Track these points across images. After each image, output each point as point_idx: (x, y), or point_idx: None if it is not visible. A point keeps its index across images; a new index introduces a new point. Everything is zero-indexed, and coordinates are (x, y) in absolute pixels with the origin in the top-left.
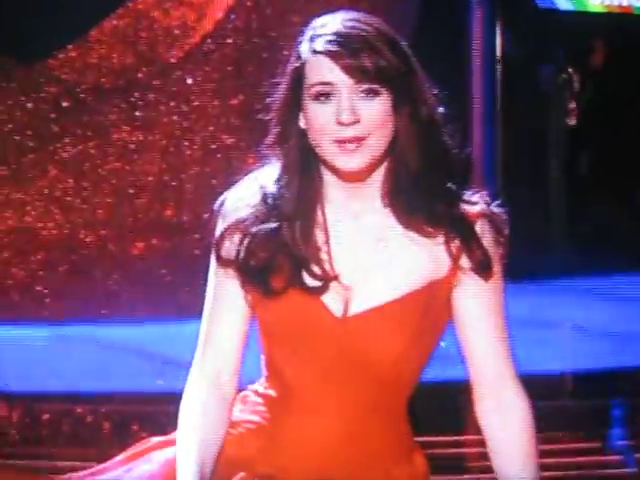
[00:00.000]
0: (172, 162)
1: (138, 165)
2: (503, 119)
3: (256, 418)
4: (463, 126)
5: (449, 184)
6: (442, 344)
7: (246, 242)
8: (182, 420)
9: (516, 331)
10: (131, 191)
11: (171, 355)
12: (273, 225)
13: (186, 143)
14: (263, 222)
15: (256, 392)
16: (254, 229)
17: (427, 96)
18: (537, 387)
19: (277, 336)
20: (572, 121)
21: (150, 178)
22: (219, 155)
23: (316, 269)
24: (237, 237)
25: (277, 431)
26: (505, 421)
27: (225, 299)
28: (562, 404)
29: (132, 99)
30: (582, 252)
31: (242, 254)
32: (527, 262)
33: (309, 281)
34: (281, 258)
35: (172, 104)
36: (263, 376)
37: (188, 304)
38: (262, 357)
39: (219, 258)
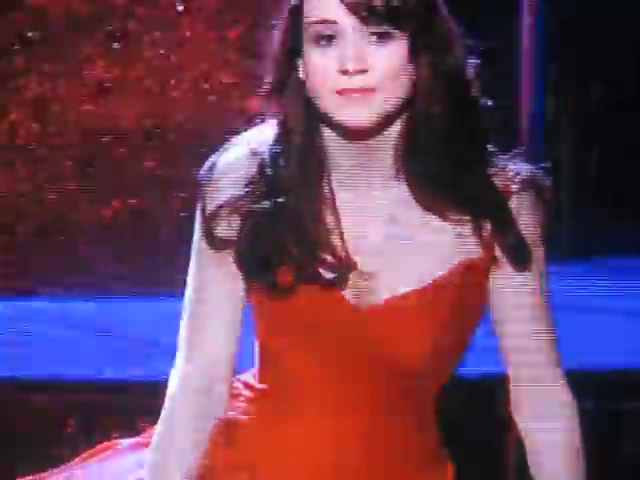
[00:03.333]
0: (156, 105)
1: (115, 108)
2: (555, 73)
3: (248, 419)
4: (507, 81)
5: (480, 149)
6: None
7: (247, 229)
8: (161, 447)
9: (565, 319)
10: (106, 139)
11: (150, 337)
12: (276, 205)
13: (173, 82)
14: (263, 201)
15: (247, 385)
16: (255, 212)
17: (453, 42)
18: (590, 386)
19: (282, 330)
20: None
21: (129, 124)
22: (213, 97)
23: (329, 257)
24: (235, 221)
25: (277, 434)
26: (548, 428)
27: (219, 290)
28: (618, 406)
29: (110, 29)
30: None
31: (242, 243)
32: (584, 236)
33: (322, 271)
34: (288, 246)
35: (157, 35)
36: (256, 367)
37: (172, 277)
38: (256, 345)
39: (213, 240)
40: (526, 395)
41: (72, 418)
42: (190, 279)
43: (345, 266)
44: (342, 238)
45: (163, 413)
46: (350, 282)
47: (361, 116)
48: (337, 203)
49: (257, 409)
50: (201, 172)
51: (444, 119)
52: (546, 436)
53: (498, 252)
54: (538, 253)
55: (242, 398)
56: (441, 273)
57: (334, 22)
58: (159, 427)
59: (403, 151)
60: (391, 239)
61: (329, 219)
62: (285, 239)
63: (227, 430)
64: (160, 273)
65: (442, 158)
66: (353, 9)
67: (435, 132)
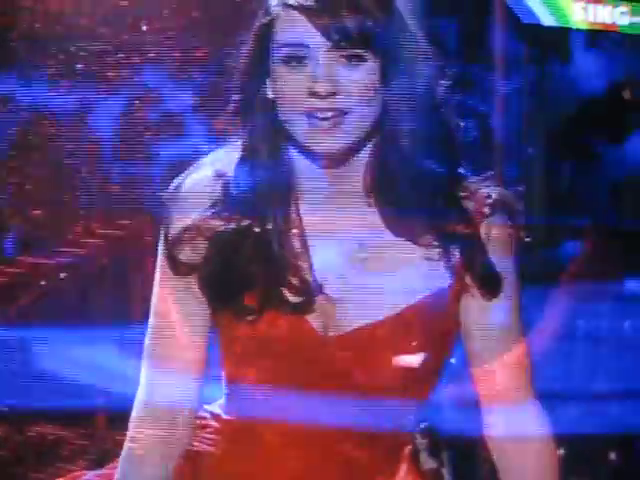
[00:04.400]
0: (120, 126)
1: (77, 129)
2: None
3: (215, 450)
4: (480, 103)
5: (451, 173)
6: (452, 361)
7: (211, 252)
8: (127, 478)
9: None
10: (68, 161)
11: (115, 366)
12: (241, 228)
13: (138, 102)
14: (228, 224)
15: (214, 416)
16: (219, 234)
17: (424, 64)
18: (566, 414)
19: (248, 359)
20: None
21: (92, 145)
22: (179, 118)
23: (296, 281)
24: (200, 244)
25: (245, 466)
26: (521, 453)
27: (184, 316)
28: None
29: (72, 49)
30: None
31: (207, 267)
32: (556, 260)
33: (289, 296)
34: (254, 270)
35: (121, 56)
36: (223, 395)
37: (137, 303)
38: (223, 375)
39: (176, 264)
40: (499, 418)
41: (34, 450)
42: (154, 304)
43: (312, 289)
44: (309, 262)
45: (127, 443)
46: (317, 309)
47: (330, 143)
48: (305, 227)
49: (224, 441)
50: (165, 194)
51: (414, 142)
52: (520, 458)
53: (468, 279)
54: (509, 277)
55: (209, 429)
56: (411, 301)
57: (305, 45)
58: (123, 457)
59: (373, 178)
60: (360, 265)
61: (296, 243)
62: (251, 262)
63: (194, 462)
64: (123, 298)
65: (413, 182)
66: (325, 33)
67: (405, 156)
